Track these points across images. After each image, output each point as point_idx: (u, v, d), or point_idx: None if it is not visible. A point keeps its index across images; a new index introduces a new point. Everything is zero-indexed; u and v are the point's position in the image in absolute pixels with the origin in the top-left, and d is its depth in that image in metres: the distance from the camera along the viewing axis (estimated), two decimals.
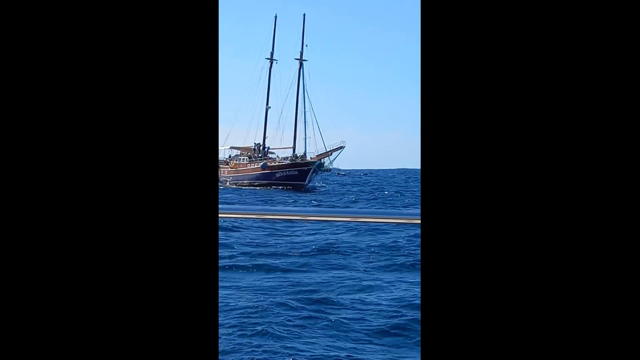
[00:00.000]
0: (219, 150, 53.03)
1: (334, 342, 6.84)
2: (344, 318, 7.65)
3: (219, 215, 2.30)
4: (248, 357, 6.39)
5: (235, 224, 15.93)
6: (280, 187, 44.05)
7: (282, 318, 7.63)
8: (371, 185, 52.21)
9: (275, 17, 52.84)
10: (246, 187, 45.09)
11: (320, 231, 15.64)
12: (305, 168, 44.62)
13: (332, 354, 6.47)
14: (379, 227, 14.67)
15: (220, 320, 7.50)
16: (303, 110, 49.06)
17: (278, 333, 7.08)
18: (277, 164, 46.79)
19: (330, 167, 46.96)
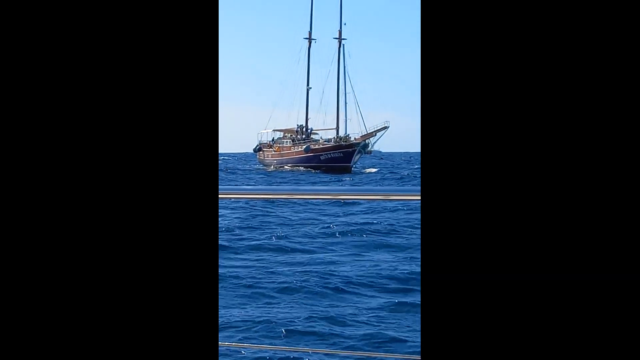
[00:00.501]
0: (262, 134, 53.26)
1: None
2: None
3: (234, 196, 2.33)
4: None
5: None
6: (318, 171, 43.64)
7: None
8: (410, 167, 51.88)
9: None
10: (289, 171, 44.94)
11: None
12: (350, 150, 44.06)
13: None
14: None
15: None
16: (344, 91, 48.66)
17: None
18: (320, 146, 46.47)
19: (372, 149, 46.24)
